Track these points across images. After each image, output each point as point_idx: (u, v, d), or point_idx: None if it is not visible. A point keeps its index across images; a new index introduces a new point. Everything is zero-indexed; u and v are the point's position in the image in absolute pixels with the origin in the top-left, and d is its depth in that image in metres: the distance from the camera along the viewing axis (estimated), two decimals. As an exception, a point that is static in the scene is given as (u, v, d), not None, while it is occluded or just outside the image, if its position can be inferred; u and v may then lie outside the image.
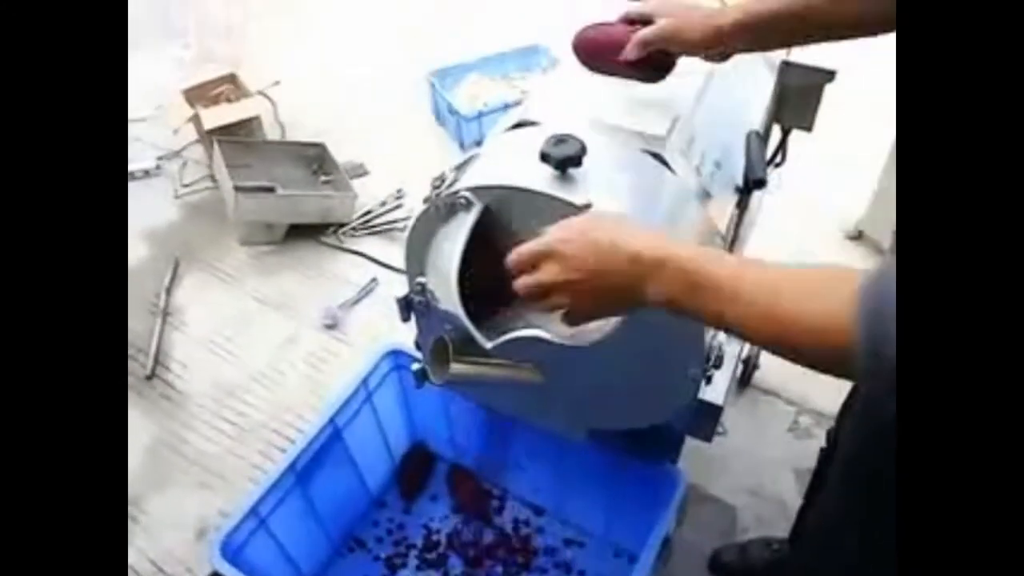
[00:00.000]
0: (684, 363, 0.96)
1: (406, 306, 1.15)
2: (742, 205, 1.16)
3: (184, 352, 2.14)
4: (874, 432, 0.99)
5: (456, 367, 0.98)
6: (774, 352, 0.66)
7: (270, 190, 2.49)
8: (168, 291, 2.31)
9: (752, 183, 1.08)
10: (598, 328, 0.87)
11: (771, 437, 1.92)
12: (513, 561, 1.69)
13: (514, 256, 0.80)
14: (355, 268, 2.37)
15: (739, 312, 0.65)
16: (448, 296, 0.93)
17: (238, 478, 1.80)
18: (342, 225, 2.51)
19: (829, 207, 2.53)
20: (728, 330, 0.69)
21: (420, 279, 1.06)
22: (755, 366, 1.99)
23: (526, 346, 0.91)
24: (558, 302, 0.78)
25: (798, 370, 1.76)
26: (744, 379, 2.01)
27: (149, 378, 2.06)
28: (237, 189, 2.34)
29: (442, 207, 0.97)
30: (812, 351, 0.62)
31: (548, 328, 0.89)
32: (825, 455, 1.46)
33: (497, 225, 0.95)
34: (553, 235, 0.77)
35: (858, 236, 2.47)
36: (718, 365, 1.00)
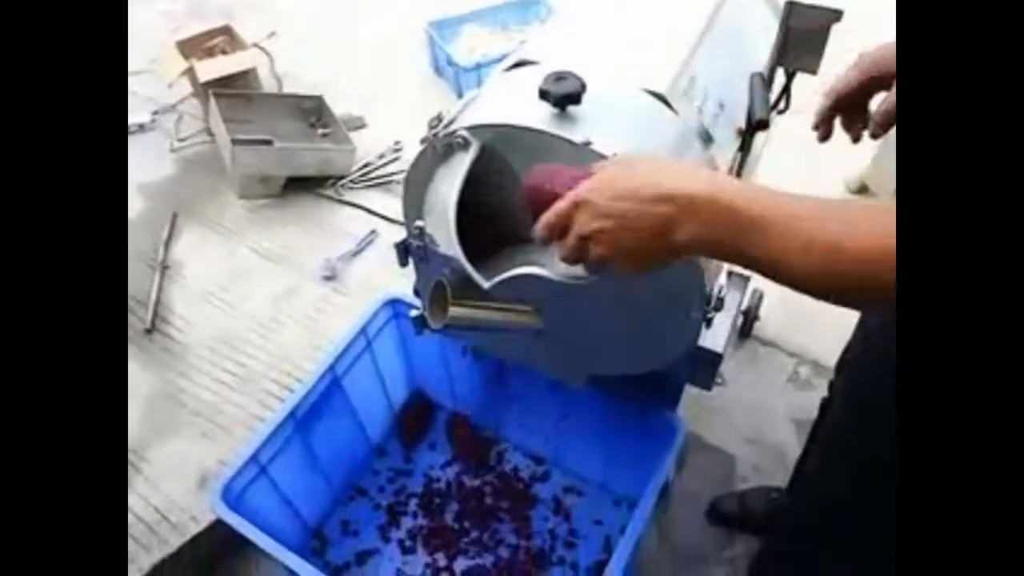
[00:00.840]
0: (686, 305, 0.95)
1: (404, 251, 1.14)
2: (744, 148, 1.14)
3: (183, 305, 2.13)
4: (868, 383, 0.99)
5: (455, 310, 0.97)
6: (817, 293, 0.63)
7: (267, 143, 2.46)
8: (166, 245, 2.30)
9: (755, 124, 1.06)
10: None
11: (770, 387, 1.93)
12: (512, 509, 1.71)
13: (547, 216, 0.73)
14: (354, 220, 2.36)
15: (785, 246, 0.61)
16: (446, 237, 0.92)
17: (238, 428, 1.81)
18: (341, 178, 2.49)
19: (832, 160, 2.50)
20: (765, 270, 0.65)
21: (418, 223, 1.05)
22: (755, 317, 1.99)
23: (525, 286, 0.90)
24: (597, 254, 0.71)
25: (798, 321, 1.79)
26: (744, 330, 2.01)
27: (149, 331, 2.05)
28: (234, 142, 2.31)
29: (439, 147, 0.95)
30: (858, 281, 0.59)
31: (547, 266, 0.88)
32: (824, 407, 1.47)
33: (496, 164, 0.93)
34: (584, 184, 0.71)
35: (862, 189, 2.45)
36: (719, 308, 0.99)
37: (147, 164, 2.59)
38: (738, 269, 1.41)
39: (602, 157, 0.84)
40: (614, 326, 1.02)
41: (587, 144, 0.84)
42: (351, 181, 2.49)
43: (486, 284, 0.90)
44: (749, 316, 1.98)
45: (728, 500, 1.69)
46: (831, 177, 2.48)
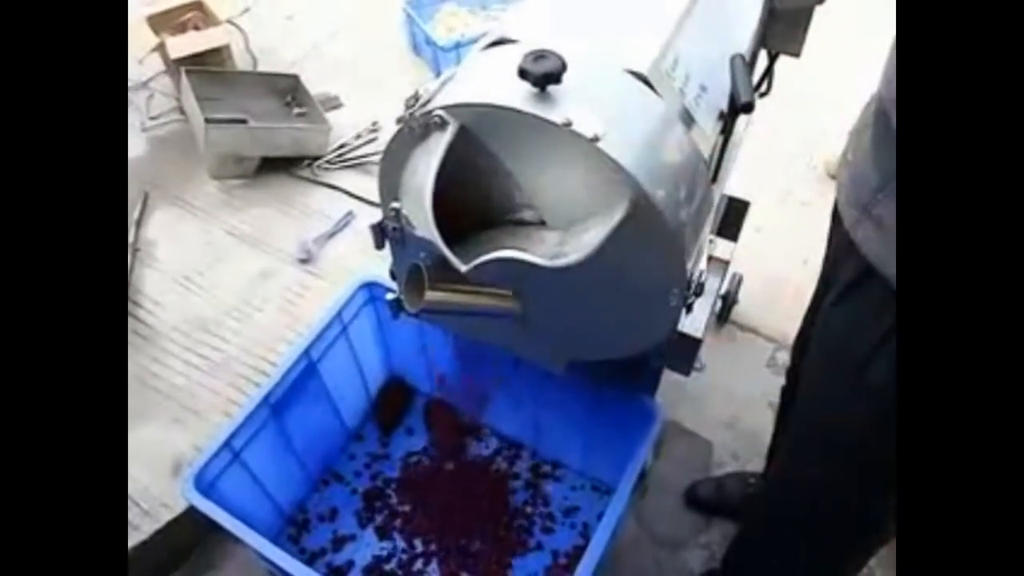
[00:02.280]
0: (666, 289, 0.93)
1: (380, 233, 1.12)
2: (726, 131, 1.12)
3: (155, 287, 2.09)
4: (832, 370, 0.98)
5: (432, 295, 0.95)
6: None
7: (241, 122, 2.41)
8: (138, 225, 2.25)
9: (740, 107, 1.05)
10: (577, 249, 0.84)
11: (748, 373, 1.93)
12: (490, 495, 1.69)
13: None
14: (330, 202, 2.32)
15: None
16: (422, 219, 0.90)
17: (212, 413, 1.78)
18: (316, 158, 2.44)
19: (812, 143, 2.50)
20: None
21: (394, 204, 1.02)
22: (734, 301, 1.98)
23: (504, 270, 0.88)
24: None
25: (776, 306, 1.77)
26: (722, 315, 2.00)
27: (119, 313, 2.01)
28: (207, 121, 2.26)
29: (416, 127, 0.92)
30: None
31: (527, 250, 0.86)
32: (786, 394, 1.47)
33: (474, 145, 0.91)
34: None
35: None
36: (699, 293, 0.98)
37: (117, 143, 2.53)
38: (718, 253, 1.41)
39: (582, 138, 0.82)
40: (594, 311, 1.00)
41: (567, 125, 0.82)
42: (327, 162, 2.45)
43: (463, 267, 0.88)
44: (728, 300, 1.98)
45: (705, 485, 1.69)
46: (806, 162, 2.48)
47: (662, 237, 0.87)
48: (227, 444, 1.38)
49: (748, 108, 1.04)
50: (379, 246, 1.16)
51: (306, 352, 1.48)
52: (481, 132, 0.90)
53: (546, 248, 0.90)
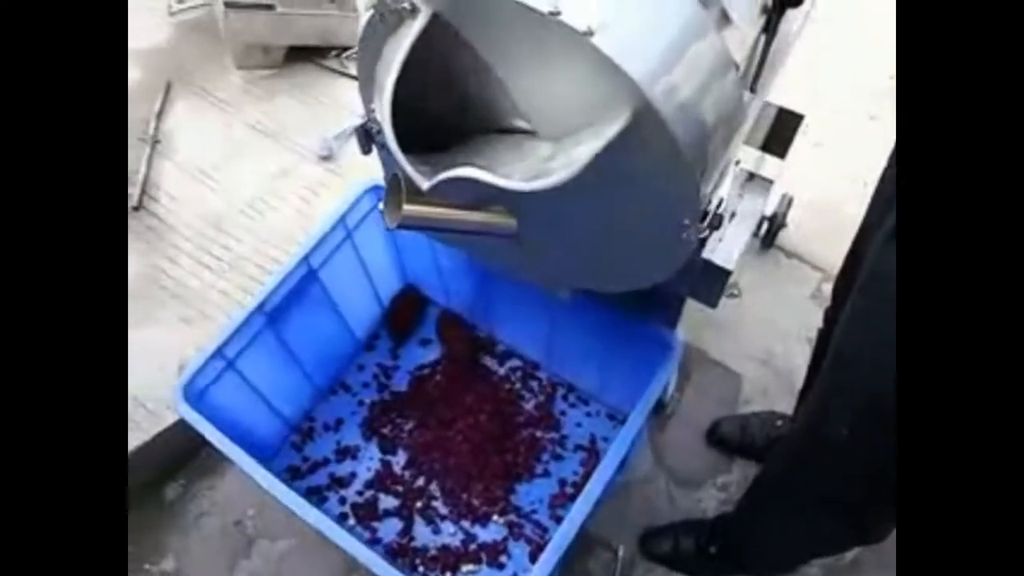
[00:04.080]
0: (673, 219, 0.80)
1: (365, 136, 1.00)
2: (770, 30, 0.95)
3: (173, 182, 2.02)
4: (878, 315, 0.83)
5: (410, 208, 0.84)
6: None
7: (267, 8, 2.26)
8: (158, 117, 2.16)
9: (786, 0, 0.88)
10: (564, 167, 0.71)
11: (789, 304, 1.77)
12: (500, 415, 1.61)
13: None
14: (357, 96, 2.18)
15: None
16: (384, 123, 0.77)
17: (219, 314, 1.72)
18: (346, 48, 2.30)
19: (882, 48, 2.24)
20: None
21: (373, 106, 0.90)
22: (781, 224, 1.81)
23: (478, 189, 0.76)
24: None
25: (826, 233, 1.57)
26: (768, 239, 1.84)
27: (136, 209, 1.95)
28: (227, 5, 2.12)
29: (388, 16, 0.79)
30: None
31: (503, 165, 0.73)
32: (822, 338, 1.32)
33: (453, 39, 0.77)
34: None
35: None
36: (715, 225, 0.84)
37: (144, 30, 2.40)
38: (763, 171, 1.24)
39: (573, 32, 0.67)
40: (593, 238, 0.88)
41: (555, 14, 0.67)
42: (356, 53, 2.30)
43: (425, 184, 0.75)
44: (774, 223, 1.80)
45: (729, 423, 1.57)
46: (880, 69, 2.22)
47: (669, 157, 0.73)
48: (219, 353, 1.32)
49: (796, 1, 0.87)
50: (365, 151, 1.05)
51: (305, 259, 1.40)
52: (459, 22, 0.75)
53: (532, 162, 0.77)
